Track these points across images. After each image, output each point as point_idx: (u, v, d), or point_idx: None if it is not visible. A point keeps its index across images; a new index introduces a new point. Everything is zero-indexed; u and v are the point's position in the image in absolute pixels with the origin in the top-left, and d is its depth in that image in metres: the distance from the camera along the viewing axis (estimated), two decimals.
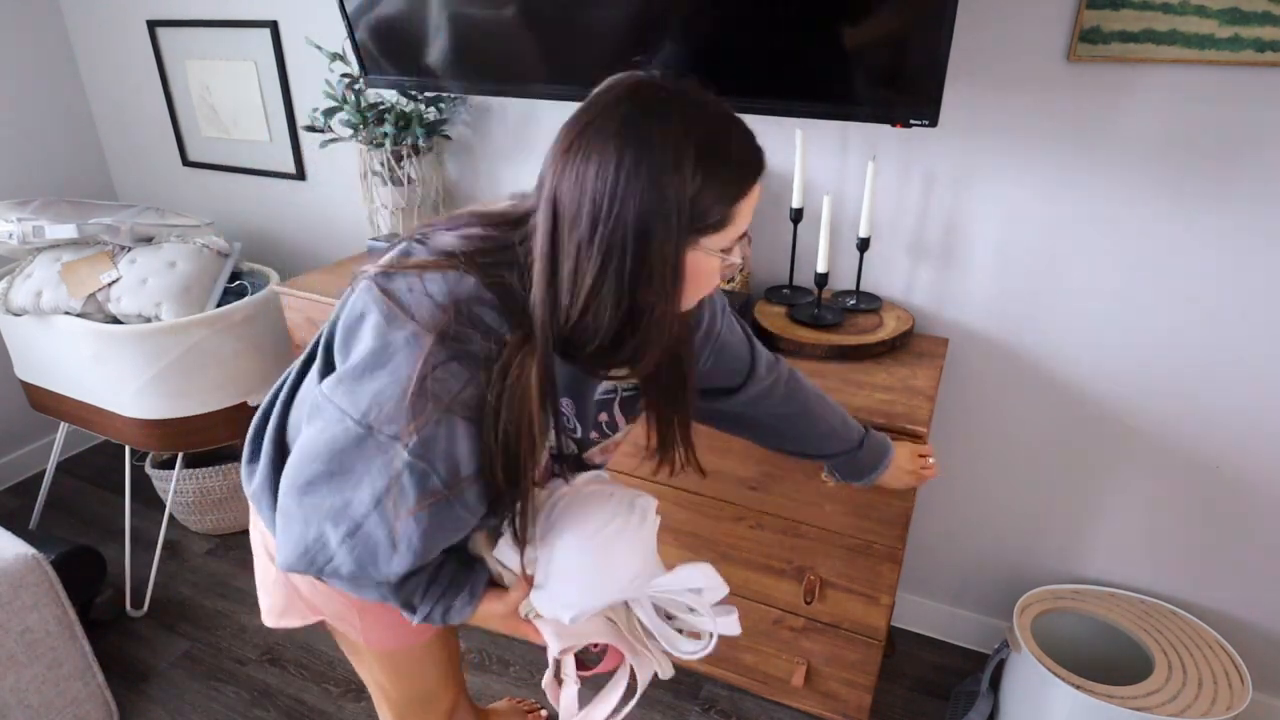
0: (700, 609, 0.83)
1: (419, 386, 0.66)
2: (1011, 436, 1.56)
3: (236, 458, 2.16)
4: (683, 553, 1.47)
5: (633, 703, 0.90)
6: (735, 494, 1.37)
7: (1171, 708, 1.28)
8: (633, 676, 0.91)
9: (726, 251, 0.72)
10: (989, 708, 1.53)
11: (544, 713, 1.62)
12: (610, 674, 0.91)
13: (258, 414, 0.90)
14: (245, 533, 2.18)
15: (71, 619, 1.48)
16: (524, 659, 1.76)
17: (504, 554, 0.83)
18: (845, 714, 1.47)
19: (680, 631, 0.87)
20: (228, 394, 1.84)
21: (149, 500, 2.25)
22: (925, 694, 1.69)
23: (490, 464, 0.71)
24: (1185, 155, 1.23)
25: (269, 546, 0.95)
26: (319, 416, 0.71)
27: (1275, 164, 1.18)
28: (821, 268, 1.38)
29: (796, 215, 1.41)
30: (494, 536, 0.83)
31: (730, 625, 0.85)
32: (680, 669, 1.70)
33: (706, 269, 0.72)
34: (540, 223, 0.69)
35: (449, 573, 0.82)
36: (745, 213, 0.71)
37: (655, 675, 0.90)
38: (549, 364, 0.71)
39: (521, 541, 0.80)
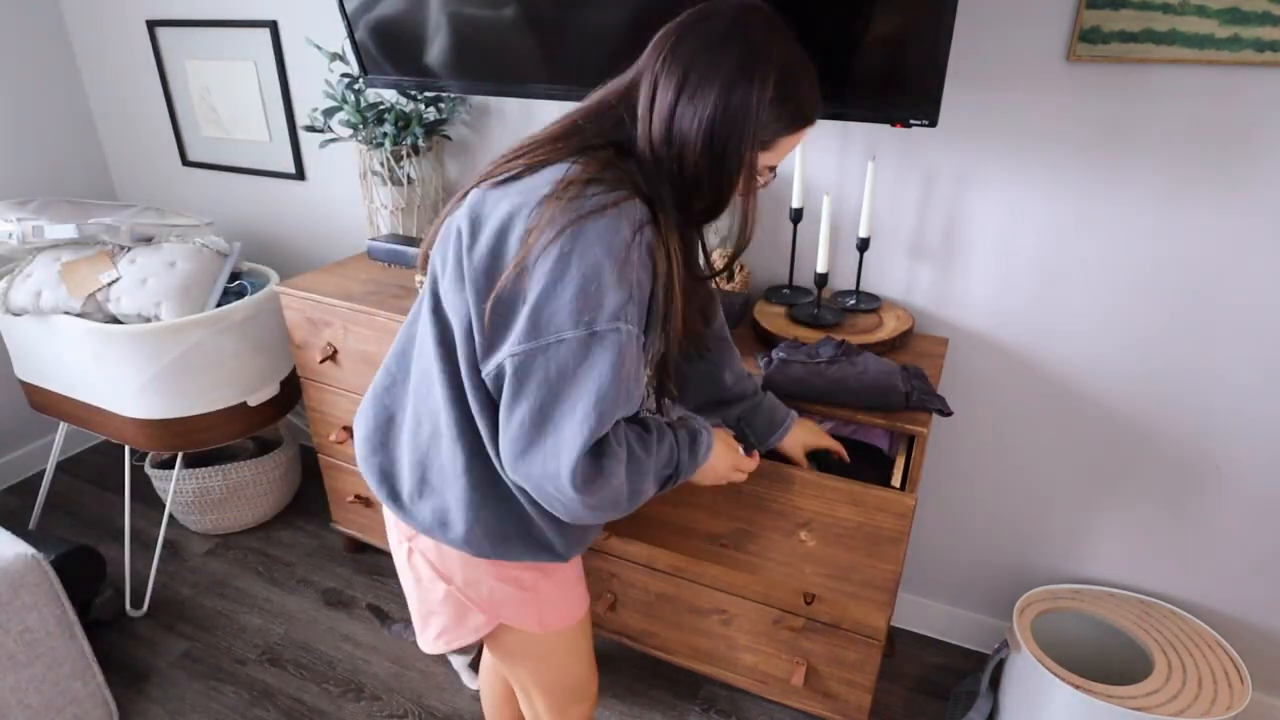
0: None
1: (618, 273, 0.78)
2: (1011, 436, 1.56)
3: (235, 458, 2.16)
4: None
5: None
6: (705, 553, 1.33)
7: (1171, 708, 1.28)
8: None
9: (757, 172, 0.87)
10: (989, 708, 1.53)
11: None
12: None
13: (407, 449, 0.95)
14: (245, 532, 2.18)
15: (71, 619, 1.48)
16: None
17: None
18: (845, 714, 1.47)
19: None
20: (227, 394, 1.84)
21: (149, 500, 2.25)
22: (925, 694, 1.69)
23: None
24: (1185, 155, 1.23)
25: (439, 565, 0.98)
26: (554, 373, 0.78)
27: (1275, 163, 1.18)
28: (821, 268, 1.38)
29: (796, 215, 1.41)
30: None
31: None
32: (679, 670, 1.70)
33: (745, 176, 0.86)
34: (660, 106, 0.82)
35: (684, 427, 0.96)
36: (785, 148, 0.87)
37: None
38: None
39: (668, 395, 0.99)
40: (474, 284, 0.82)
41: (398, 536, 1.02)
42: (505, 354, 0.79)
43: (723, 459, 1.01)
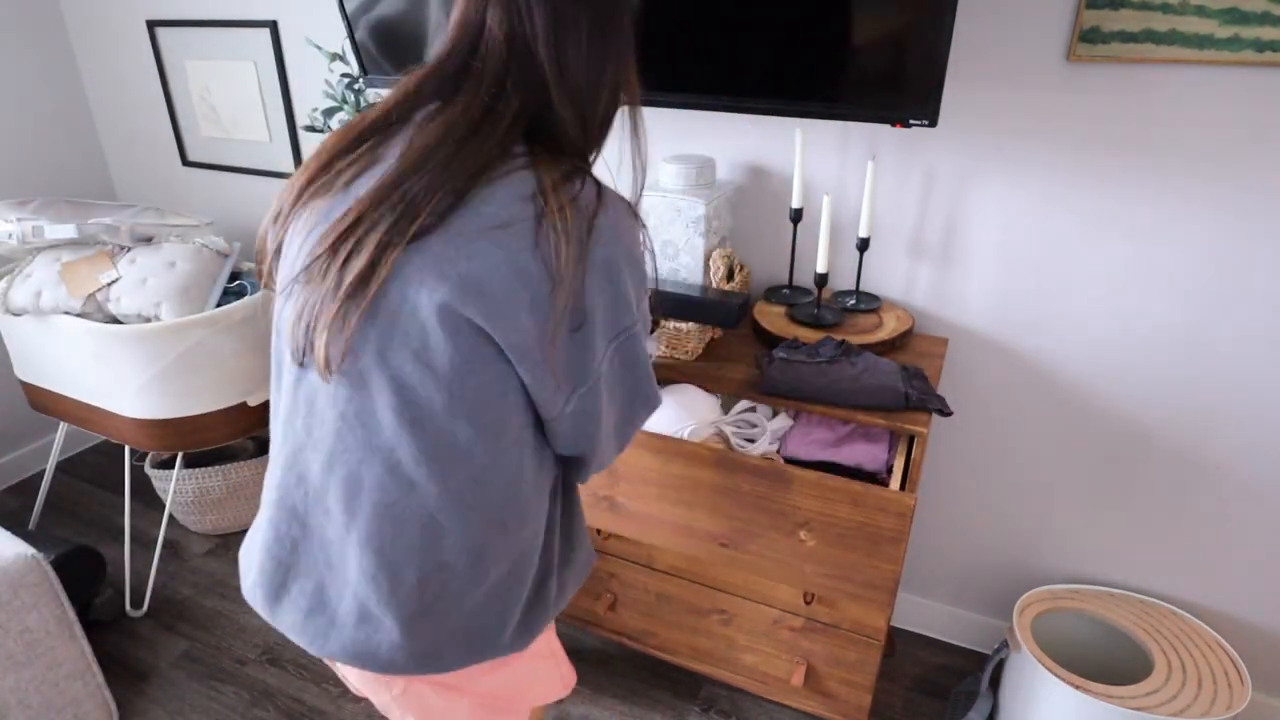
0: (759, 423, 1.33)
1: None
2: (1011, 436, 1.55)
3: (235, 458, 2.16)
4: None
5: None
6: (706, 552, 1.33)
7: (1171, 708, 1.28)
8: None
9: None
10: (989, 708, 1.53)
11: None
12: None
13: (390, 609, 0.76)
14: (245, 532, 2.16)
15: (71, 619, 1.48)
16: None
17: None
18: (845, 714, 1.47)
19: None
20: (227, 394, 1.84)
21: (149, 500, 2.25)
22: (925, 694, 1.69)
23: None
24: (1184, 155, 1.23)
25: (452, 682, 0.86)
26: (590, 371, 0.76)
27: (1274, 164, 1.18)
28: (821, 268, 1.38)
29: (796, 215, 1.41)
30: None
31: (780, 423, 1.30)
32: (679, 670, 1.70)
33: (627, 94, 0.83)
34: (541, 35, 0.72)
35: None
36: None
37: None
38: None
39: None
40: (525, 355, 0.71)
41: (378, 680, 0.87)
42: (591, 379, 0.76)
43: None
